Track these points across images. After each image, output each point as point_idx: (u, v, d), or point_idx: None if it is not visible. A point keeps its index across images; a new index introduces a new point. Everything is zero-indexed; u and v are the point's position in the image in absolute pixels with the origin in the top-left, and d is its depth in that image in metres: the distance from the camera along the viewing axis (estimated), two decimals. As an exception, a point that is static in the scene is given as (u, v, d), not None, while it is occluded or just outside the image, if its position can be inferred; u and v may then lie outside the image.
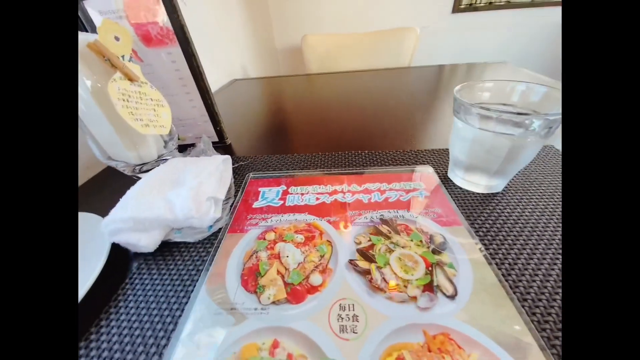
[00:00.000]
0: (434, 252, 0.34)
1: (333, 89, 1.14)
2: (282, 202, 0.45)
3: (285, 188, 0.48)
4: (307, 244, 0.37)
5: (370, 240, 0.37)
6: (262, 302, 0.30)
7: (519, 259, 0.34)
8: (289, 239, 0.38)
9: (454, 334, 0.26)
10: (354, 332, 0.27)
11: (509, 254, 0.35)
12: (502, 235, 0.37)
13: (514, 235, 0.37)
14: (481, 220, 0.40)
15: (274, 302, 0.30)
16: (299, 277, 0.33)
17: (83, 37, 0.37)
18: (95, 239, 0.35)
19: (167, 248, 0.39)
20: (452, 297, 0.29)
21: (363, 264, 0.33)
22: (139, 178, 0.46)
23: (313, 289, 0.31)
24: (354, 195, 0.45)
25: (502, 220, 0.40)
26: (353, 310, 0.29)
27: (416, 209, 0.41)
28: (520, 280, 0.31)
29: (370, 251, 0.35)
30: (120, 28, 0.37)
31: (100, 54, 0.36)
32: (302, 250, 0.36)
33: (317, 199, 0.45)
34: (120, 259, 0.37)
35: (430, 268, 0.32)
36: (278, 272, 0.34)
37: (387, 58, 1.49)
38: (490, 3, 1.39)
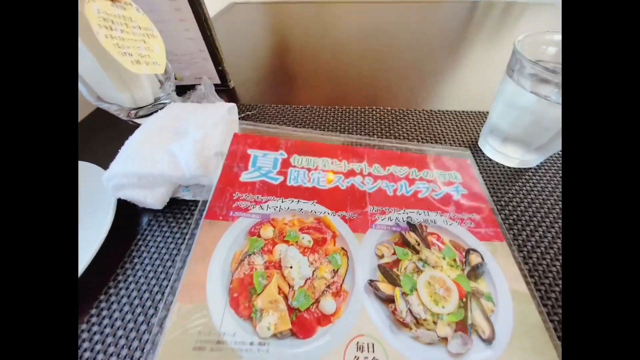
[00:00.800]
0: (470, 276, 0.29)
1: (350, 23, 0.92)
2: (281, 177, 0.34)
3: (285, 156, 0.36)
4: (317, 251, 0.29)
5: (394, 253, 0.30)
6: (260, 334, 0.23)
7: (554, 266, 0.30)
8: (293, 239, 0.29)
9: (489, 391, 0.22)
10: (374, 382, 0.22)
11: (543, 257, 0.31)
12: (532, 226, 0.33)
13: (545, 227, 0.33)
14: (507, 198, 0.35)
15: (275, 335, 0.23)
16: (306, 300, 0.25)
17: None
18: (99, 193, 0.34)
19: (176, 205, 0.37)
20: (488, 340, 0.24)
21: (386, 288, 0.27)
22: (136, 124, 0.42)
23: (325, 319, 0.25)
24: (376, 182, 0.35)
25: (531, 200, 0.36)
26: (373, 352, 0.23)
27: (450, 213, 0.33)
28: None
29: (395, 269, 0.29)
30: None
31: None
32: (311, 259, 0.28)
33: (329, 180, 0.34)
34: (129, 213, 0.36)
35: (464, 299, 0.27)
36: (280, 290, 0.26)
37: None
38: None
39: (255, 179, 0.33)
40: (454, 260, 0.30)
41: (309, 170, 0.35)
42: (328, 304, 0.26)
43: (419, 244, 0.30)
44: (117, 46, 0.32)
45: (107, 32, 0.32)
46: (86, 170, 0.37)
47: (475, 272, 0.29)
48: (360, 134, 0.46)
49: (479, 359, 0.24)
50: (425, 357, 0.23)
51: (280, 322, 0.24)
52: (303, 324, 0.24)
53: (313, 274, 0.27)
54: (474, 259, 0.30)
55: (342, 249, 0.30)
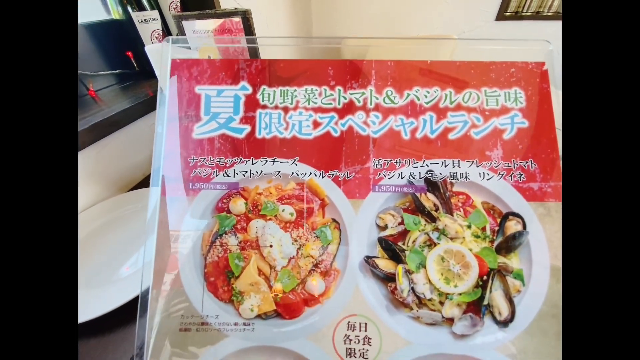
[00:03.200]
0: (500, 249, 0.22)
1: None
2: (247, 127, 0.24)
3: (250, 91, 0.25)
4: (301, 225, 0.23)
5: (402, 222, 0.23)
6: (244, 316, 0.22)
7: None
8: (271, 212, 0.23)
9: (489, 370, 0.21)
10: (363, 358, 0.21)
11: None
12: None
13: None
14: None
15: (259, 316, 0.22)
16: (291, 281, 0.22)
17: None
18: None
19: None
20: (504, 323, 0.21)
21: (386, 265, 0.22)
22: None
23: (312, 300, 0.22)
24: (387, 119, 0.24)
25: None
26: (365, 331, 0.22)
27: (494, 160, 0.23)
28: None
29: (400, 243, 0.23)
30: (213, 49, 0.31)
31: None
32: (294, 235, 0.23)
33: (317, 124, 0.24)
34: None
35: (485, 277, 0.22)
36: (260, 271, 0.23)
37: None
38: (538, 12, 1.22)
39: (213, 133, 0.24)
40: (483, 229, 0.22)
41: (286, 110, 0.24)
42: (316, 285, 0.23)
43: (437, 209, 0.23)
44: None
45: None
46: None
47: (508, 244, 0.22)
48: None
49: (486, 342, 0.21)
50: (424, 337, 0.21)
51: (264, 303, 0.22)
52: (288, 305, 0.22)
53: (297, 252, 0.23)
54: (512, 226, 0.22)
55: (334, 220, 0.23)
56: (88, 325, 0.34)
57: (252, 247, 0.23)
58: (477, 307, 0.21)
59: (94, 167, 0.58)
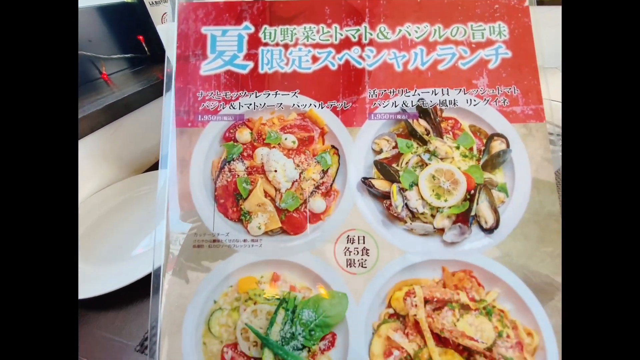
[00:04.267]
0: (486, 166, 0.24)
1: None
2: (250, 63, 0.26)
3: (252, 30, 0.26)
4: (303, 152, 0.25)
5: (395, 146, 0.25)
6: (252, 233, 0.24)
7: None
8: (274, 141, 0.25)
9: (477, 271, 0.23)
10: (362, 267, 0.23)
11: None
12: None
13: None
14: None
15: (266, 233, 0.24)
16: (294, 201, 0.24)
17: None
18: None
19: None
20: (490, 230, 0.23)
21: (381, 185, 0.24)
22: None
23: (314, 217, 0.24)
24: (381, 53, 0.26)
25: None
26: (363, 243, 0.24)
27: (480, 88, 0.25)
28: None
29: (394, 165, 0.25)
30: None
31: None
32: (296, 161, 0.25)
33: (315, 58, 0.26)
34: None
35: (472, 191, 0.24)
36: (266, 193, 0.25)
37: None
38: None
39: (219, 70, 0.26)
40: (470, 149, 0.24)
41: (286, 47, 0.26)
42: (317, 204, 0.25)
43: (428, 133, 0.25)
44: None
45: None
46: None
47: (493, 162, 0.24)
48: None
49: (474, 247, 0.23)
50: (417, 246, 0.23)
51: (270, 222, 0.24)
52: (293, 222, 0.24)
53: (300, 176, 0.25)
54: (497, 146, 0.24)
55: (333, 147, 0.25)
56: (107, 298, 0.36)
57: (258, 172, 0.25)
58: (465, 217, 0.23)
59: (109, 148, 0.59)
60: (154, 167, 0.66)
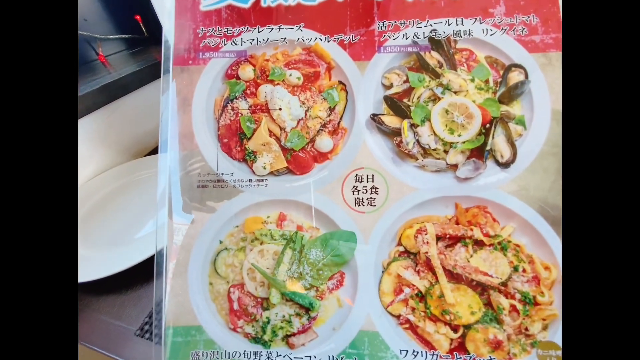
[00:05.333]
0: (503, 99, 0.23)
1: None
2: None
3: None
4: (309, 88, 0.24)
5: (407, 80, 0.23)
6: (257, 173, 0.23)
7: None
8: (278, 78, 0.24)
9: (492, 207, 0.22)
10: (371, 205, 0.22)
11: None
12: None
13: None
14: None
15: (272, 173, 0.23)
16: (300, 140, 0.23)
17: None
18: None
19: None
20: (506, 164, 0.22)
21: (391, 121, 0.23)
22: None
23: (321, 156, 0.24)
24: (389, -17, 0.24)
25: None
26: (373, 181, 0.23)
27: (497, 16, 0.23)
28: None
29: (405, 100, 0.24)
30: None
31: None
32: (302, 98, 0.24)
33: (320, -7, 0.24)
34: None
35: (488, 125, 0.22)
36: (270, 132, 0.24)
37: None
38: None
39: (220, 4, 0.24)
40: (486, 81, 0.23)
41: (291, -23, 0.24)
42: (324, 143, 0.23)
43: (441, 66, 0.23)
44: None
45: None
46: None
47: (510, 94, 0.23)
48: None
49: (489, 182, 0.22)
50: (429, 183, 0.22)
51: (276, 161, 0.24)
52: (299, 162, 0.24)
53: (306, 114, 0.24)
54: (514, 77, 0.23)
55: (340, 82, 0.24)
56: (107, 282, 0.36)
57: (262, 111, 0.24)
58: (480, 152, 0.22)
59: (107, 131, 0.58)
60: (155, 151, 0.65)
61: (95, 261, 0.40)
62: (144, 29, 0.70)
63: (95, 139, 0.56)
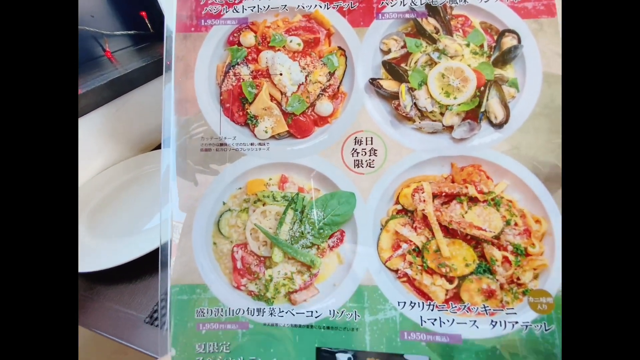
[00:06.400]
0: (497, 63, 0.24)
1: None
2: (256, -31, 0.25)
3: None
4: (309, 54, 0.25)
5: (404, 46, 0.24)
6: (259, 137, 0.24)
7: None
8: (279, 44, 0.24)
9: (486, 165, 0.23)
10: (370, 167, 0.23)
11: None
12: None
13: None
14: None
15: (273, 137, 0.24)
16: (301, 104, 0.24)
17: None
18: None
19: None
20: (499, 125, 0.23)
21: (389, 85, 0.24)
22: None
23: (321, 120, 0.24)
24: (387, -48, 0.25)
25: None
26: (371, 144, 0.23)
27: (491, -17, 0.24)
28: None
29: (403, 64, 0.24)
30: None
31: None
32: (302, 64, 0.24)
33: (320, -38, 0.25)
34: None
35: (482, 88, 0.23)
36: (271, 97, 0.24)
37: None
38: None
39: (221, -29, 0.25)
40: (481, 46, 0.24)
41: (291, -57, 0.25)
42: (324, 107, 0.24)
43: (437, 32, 0.24)
44: None
45: None
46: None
47: (504, 58, 0.23)
48: None
49: (483, 142, 0.23)
50: (425, 144, 0.23)
51: (277, 125, 0.24)
52: (299, 126, 0.24)
53: (306, 79, 0.24)
54: (508, 42, 0.23)
55: (339, 48, 0.25)
56: (116, 271, 0.37)
57: (263, 76, 0.24)
58: (474, 114, 0.23)
59: (115, 125, 0.58)
60: (160, 146, 0.65)
61: (105, 252, 0.41)
62: (149, 25, 0.69)
63: (104, 133, 0.56)
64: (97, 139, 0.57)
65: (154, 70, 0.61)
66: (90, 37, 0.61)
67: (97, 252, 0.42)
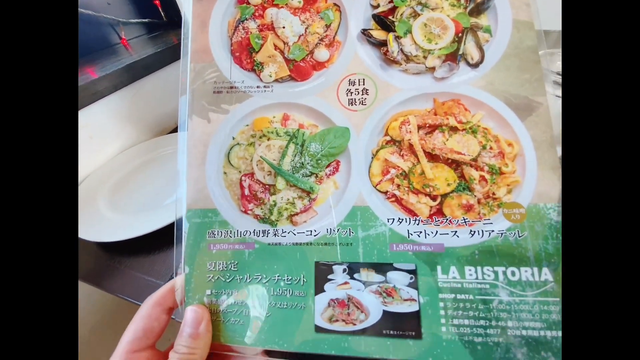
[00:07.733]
0: (472, 13, 0.27)
1: None
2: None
3: None
4: (308, 10, 0.28)
5: (391, 1, 0.28)
6: (264, 80, 0.27)
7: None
8: (282, 2, 0.28)
9: (464, 99, 0.26)
10: (362, 104, 0.26)
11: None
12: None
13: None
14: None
15: (276, 80, 0.27)
16: (301, 52, 0.27)
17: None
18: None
19: None
20: (476, 65, 0.26)
21: (379, 34, 0.27)
22: None
23: (319, 65, 0.28)
24: None
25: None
26: (363, 84, 0.27)
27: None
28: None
29: (390, 17, 0.28)
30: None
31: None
32: (302, 18, 0.28)
33: None
34: None
35: (460, 34, 0.26)
36: (275, 47, 0.28)
37: None
38: None
39: (232, -59, 0.29)
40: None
41: None
42: (322, 54, 0.28)
43: (420, -12, 0.27)
44: None
45: None
46: None
47: (479, 8, 0.27)
48: None
49: (461, 80, 0.26)
50: (411, 83, 0.26)
51: (280, 70, 0.28)
52: (300, 70, 0.28)
53: (305, 30, 0.28)
54: (482, -6, 0.27)
55: (335, 4, 0.28)
56: (135, 243, 0.41)
57: (268, 29, 0.28)
58: (453, 56, 0.26)
59: (132, 108, 0.62)
60: (177, 130, 0.70)
61: (125, 225, 0.45)
62: (162, 13, 0.74)
63: (122, 117, 0.60)
64: (115, 121, 0.61)
65: (167, 57, 0.65)
66: (108, 25, 0.65)
67: (117, 225, 0.45)
